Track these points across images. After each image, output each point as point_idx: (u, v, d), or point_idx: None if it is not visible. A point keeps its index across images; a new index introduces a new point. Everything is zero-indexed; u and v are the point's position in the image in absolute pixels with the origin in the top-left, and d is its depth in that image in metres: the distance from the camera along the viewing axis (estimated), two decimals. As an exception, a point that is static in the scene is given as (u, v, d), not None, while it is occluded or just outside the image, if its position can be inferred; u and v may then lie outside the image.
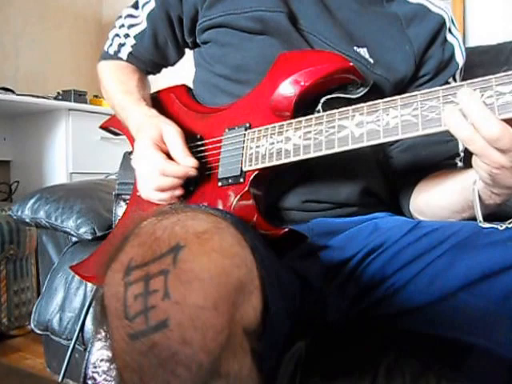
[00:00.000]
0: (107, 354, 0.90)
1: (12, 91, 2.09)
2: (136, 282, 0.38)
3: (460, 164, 0.79)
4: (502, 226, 0.59)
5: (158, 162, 0.67)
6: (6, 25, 2.35)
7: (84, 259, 0.87)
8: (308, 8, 0.74)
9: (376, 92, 0.71)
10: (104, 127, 0.96)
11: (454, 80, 0.80)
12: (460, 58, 0.79)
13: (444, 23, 0.78)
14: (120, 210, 0.85)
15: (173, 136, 0.69)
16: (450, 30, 0.78)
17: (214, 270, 0.38)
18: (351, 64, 0.64)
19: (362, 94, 0.66)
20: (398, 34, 0.76)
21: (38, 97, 2.11)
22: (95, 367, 0.86)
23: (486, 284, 0.56)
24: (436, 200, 0.71)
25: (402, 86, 0.76)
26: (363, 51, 0.73)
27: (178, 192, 0.69)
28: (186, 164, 0.67)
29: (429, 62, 0.77)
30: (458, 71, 0.80)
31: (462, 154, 0.79)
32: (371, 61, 0.73)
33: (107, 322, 0.40)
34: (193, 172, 0.67)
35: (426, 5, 0.78)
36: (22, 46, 2.41)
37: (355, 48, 0.73)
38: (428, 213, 0.73)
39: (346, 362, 0.66)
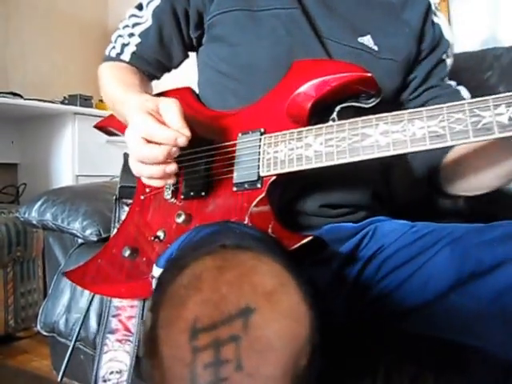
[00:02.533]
0: (117, 365, 0.89)
1: (20, 96, 2.11)
2: (205, 349, 0.36)
3: None
4: None
5: (146, 125, 0.59)
6: (14, 33, 2.39)
7: (80, 266, 0.85)
8: (311, 4, 0.75)
9: (385, 75, 0.73)
10: (99, 126, 0.92)
11: (447, 56, 0.84)
12: (449, 36, 0.84)
13: (430, 6, 0.83)
14: (123, 214, 0.85)
15: (170, 106, 0.62)
16: (435, 13, 0.83)
17: (286, 337, 0.36)
18: (369, 74, 0.64)
19: (374, 103, 0.67)
20: (396, 20, 0.79)
21: (45, 101, 2.13)
22: (105, 381, 0.86)
23: (475, 284, 0.57)
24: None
25: (410, 65, 0.80)
26: (367, 39, 0.74)
27: (171, 168, 0.61)
28: (180, 131, 0.59)
29: (424, 39, 0.81)
30: (450, 48, 0.84)
31: None
32: (376, 48, 0.75)
33: None
34: (184, 140, 0.58)
35: None
36: (29, 53, 2.44)
37: (359, 39, 0.74)
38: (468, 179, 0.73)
39: (346, 365, 0.67)
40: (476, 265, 0.57)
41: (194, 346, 0.36)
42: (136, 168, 0.63)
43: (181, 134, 0.59)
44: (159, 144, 0.59)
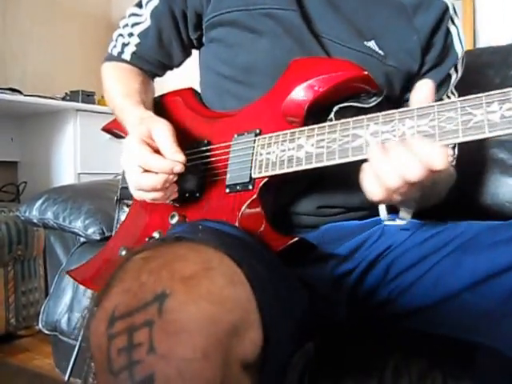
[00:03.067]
0: None
1: (19, 92, 2.10)
2: (119, 335, 0.37)
3: (450, 152, 0.80)
4: (396, 221, 0.64)
5: (142, 155, 0.62)
6: (13, 25, 2.36)
7: (82, 264, 0.86)
8: (316, 5, 0.73)
9: (387, 84, 0.72)
10: (107, 129, 0.94)
11: (456, 70, 0.79)
12: (459, 48, 0.79)
13: (447, 10, 0.77)
14: (123, 215, 0.85)
15: (162, 131, 0.64)
16: (451, 19, 0.78)
17: (202, 320, 0.36)
18: (366, 73, 0.63)
19: (375, 103, 0.65)
20: (405, 25, 0.75)
21: (45, 97, 2.12)
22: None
23: (490, 284, 0.56)
24: None
25: (410, 78, 0.76)
26: (372, 44, 0.73)
27: (171, 190, 0.65)
28: (175, 159, 0.62)
29: (432, 50, 0.76)
30: (460, 61, 0.79)
31: (451, 152, 0.80)
32: (382, 53, 0.73)
33: (96, 372, 0.39)
34: (179, 168, 0.62)
35: None
36: (29, 47, 2.42)
37: (365, 43, 0.72)
38: None
39: (354, 363, 0.67)
40: (490, 266, 0.56)
41: (110, 333, 0.37)
42: (137, 195, 0.66)
43: (176, 162, 0.61)
44: (156, 172, 0.62)
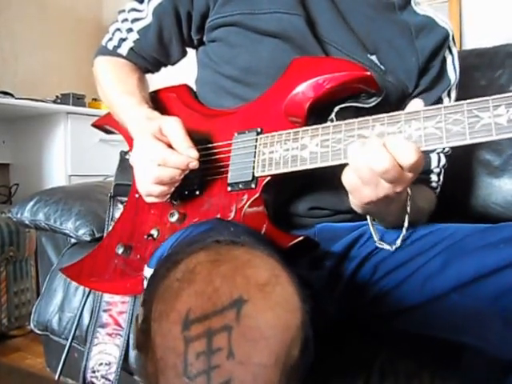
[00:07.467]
0: (106, 358, 0.90)
1: (11, 95, 2.10)
2: (198, 339, 0.36)
3: (434, 179, 0.81)
4: (392, 247, 0.64)
5: (158, 151, 0.63)
6: (5, 28, 2.36)
7: (75, 262, 0.86)
8: (323, 13, 0.73)
9: (385, 99, 0.71)
10: (97, 125, 0.93)
11: (449, 96, 0.80)
12: (452, 75, 0.80)
13: (447, 38, 0.79)
14: (117, 212, 0.86)
15: (173, 126, 0.65)
16: (449, 47, 0.80)
17: (279, 327, 0.37)
18: (369, 73, 0.63)
19: (375, 103, 0.65)
20: (407, 45, 0.76)
21: (36, 100, 2.12)
22: (94, 371, 0.87)
23: (477, 285, 0.56)
24: None
25: (405, 97, 0.76)
26: (374, 58, 0.73)
27: (177, 185, 0.66)
28: (189, 154, 0.63)
29: (427, 74, 0.78)
30: (454, 87, 0.80)
31: (436, 170, 0.81)
32: (383, 68, 0.73)
33: (161, 375, 0.38)
34: (195, 164, 0.63)
35: (434, 18, 0.79)
36: (21, 50, 2.42)
37: (368, 55, 0.73)
38: None
39: (340, 363, 0.67)
40: (478, 268, 0.56)
41: (187, 336, 0.37)
42: (149, 189, 0.66)
43: (192, 159, 0.63)
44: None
